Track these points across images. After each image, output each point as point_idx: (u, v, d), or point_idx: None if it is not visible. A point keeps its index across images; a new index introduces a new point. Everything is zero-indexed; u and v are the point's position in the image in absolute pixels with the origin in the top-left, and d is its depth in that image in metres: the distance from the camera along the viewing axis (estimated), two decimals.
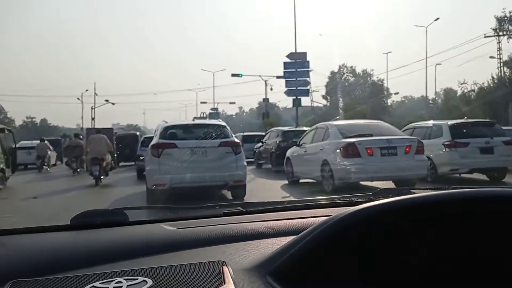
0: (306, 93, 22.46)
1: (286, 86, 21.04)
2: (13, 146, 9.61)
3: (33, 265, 0.62)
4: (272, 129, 12.10)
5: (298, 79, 20.17)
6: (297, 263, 0.52)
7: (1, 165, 8.43)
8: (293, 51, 20.91)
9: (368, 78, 39.08)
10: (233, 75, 25.58)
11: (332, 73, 41.26)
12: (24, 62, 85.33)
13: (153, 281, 0.52)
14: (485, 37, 23.11)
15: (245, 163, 5.67)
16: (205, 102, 37.26)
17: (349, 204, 0.71)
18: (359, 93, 35.43)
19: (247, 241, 0.70)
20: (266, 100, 27.52)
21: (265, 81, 26.17)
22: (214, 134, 5.65)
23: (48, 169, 13.67)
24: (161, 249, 0.67)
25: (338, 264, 0.52)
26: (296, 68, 20.21)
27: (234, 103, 41.47)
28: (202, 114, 34.37)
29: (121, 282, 0.53)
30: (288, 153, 7.86)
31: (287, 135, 10.50)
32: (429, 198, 0.54)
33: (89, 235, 0.76)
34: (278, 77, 22.86)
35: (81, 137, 13.09)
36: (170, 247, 0.68)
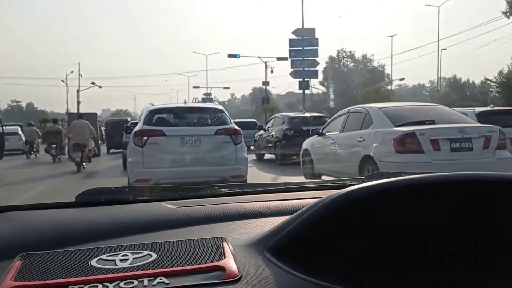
0: (315, 74, 20.52)
1: (291, 67, 19.18)
2: (1, 131, 9.06)
3: (41, 239, 0.64)
4: (277, 114, 10.99)
5: (305, 58, 18.45)
6: (292, 240, 0.55)
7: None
8: (299, 27, 18.96)
9: (368, 64, 38.05)
10: (229, 55, 23.67)
11: (330, 58, 40.10)
12: (7, 41, 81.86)
13: (157, 255, 0.55)
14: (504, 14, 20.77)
15: (246, 155, 4.80)
16: (198, 87, 35.87)
17: (343, 187, 0.66)
18: (356, 80, 34.44)
19: (245, 220, 0.72)
20: (266, 83, 25.23)
21: (265, 62, 24.11)
22: (209, 120, 4.76)
23: (38, 155, 13.11)
24: (163, 226, 0.70)
25: (329, 242, 0.55)
26: (303, 46, 18.23)
27: (228, 88, 39.48)
28: (194, 99, 32.61)
29: (127, 255, 0.55)
30: (307, 144, 6.34)
31: (294, 121, 9.44)
32: (420, 179, 0.56)
33: (94, 212, 0.79)
34: (279, 58, 21.23)
35: (59, 123, 12.85)
36: (172, 224, 0.71)
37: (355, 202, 0.55)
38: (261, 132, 11.04)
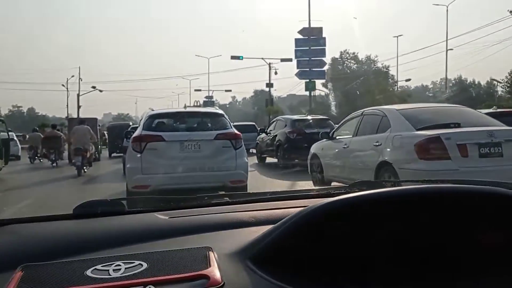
0: (322, 75, 20.11)
1: (298, 67, 18.90)
2: (6, 136, 9.44)
3: (40, 251, 0.69)
4: (279, 117, 10.84)
5: (312, 58, 18.04)
6: (273, 250, 0.58)
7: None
8: (304, 27, 18.59)
9: (372, 65, 37.75)
10: (232, 57, 23.41)
11: (333, 59, 39.89)
12: (6, 46, 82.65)
13: (148, 264, 0.59)
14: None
15: (247, 160, 4.75)
16: (200, 90, 35.62)
17: (327, 196, 0.74)
18: (360, 81, 34.18)
19: (232, 229, 0.76)
20: (270, 85, 24.57)
21: (269, 64, 23.52)
22: (209, 125, 4.81)
23: (42, 160, 13.22)
24: (155, 236, 0.74)
25: (309, 251, 0.58)
26: (310, 46, 17.79)
27: (230, 90, 38.77)
28: (196, 103, 32.39)
29: (120, 265, 0.59)
30: (315, 148, 5.94)
31: (297, 124, 9.26)
32: (393, 192, 0.61)
33: (90, 224, 0.84)
34: (282, 60, 20.90)
35: (58, 128, 13.21)
36: (163, 234, 0.75)
37: (332, 214, 0.58)
38: (263, 135, 10.92)
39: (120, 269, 0.57)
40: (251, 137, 14.83)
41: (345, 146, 4.98)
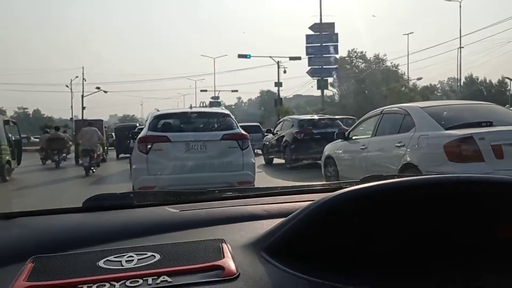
0: (334, 72, 19.22)
1: (309, 65, 18.33)
2: (19, 138, 10.09)
3: (50, 243, 0.69)
4: (286, 117, 10.86)
5: (324, 55, 17.43)
6: (287, 241, 0.59)
7: (7, 157, 8.73)
8: (316, 23, 17.90)
9: (381, 64, 37.49)
10: (240, 56, 23.02)
11: (341, 58, 39.71)
12: (7, 46, 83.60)
13: (160, 256, 0.59)
14: None
15: (254, 160, 4.71)
16: (206, 90, 35.24)
17: (338, 189, 0.68)
18: (368, 81, 33.89)
19: (244, 222, 0.77)
20: (279, 84, 23.91)
21: (278, 62, 22.97)
22: (215, 125, 4.73)
23: (45, 162, 13.46)
24: (166, 229, 0.74)
25: (322, 242, 0.59)
26: (321, 42, 17.12)
27: (236, 91, 38.12)
28: (202, 103, 32.47)
29: (132, 256, 0.59)
30: (329, 149, 5.63)
31: (305, 124, 9.26)
32: (410, 182, 0.61)
33: (100, 217, 0.84)
34: (291, 58, 20.42)
35: (62, 130, 13.93)
36: (174, 227, 0.75)
37: (345, 204, 0.59)
38: (270, 135, 10.92)
39: (132, 260, 0.58)
40: (255, 138, 14.91)
41: (363, 147, 4.70)
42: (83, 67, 37.93)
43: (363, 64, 39.09)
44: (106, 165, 11.72)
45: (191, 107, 6.08)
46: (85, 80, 34.22)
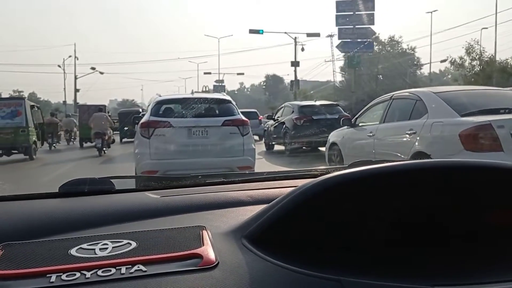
0: (370, 47, 15.54)
1: (339, 38, 15.65)
2: (42, 121, 12.01)
3: (23, 229, 0.69)
4: (286, 103, 11.14)
5: (357, 26, 14.03)
6: (268, 228, 0.60)
7: (34, 138, 10.45)
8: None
9: (396, 47, 36.93)
10: (251, 31, 21.35)
11: None
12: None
13: (136, 243, 0.60)
14: None
15: (254, 146, 5.04)
16: (209, 73, 34.88)
17: (325, 175, 0.69)
18: (382, 65, 33.47)
19: (227, 208, 0.78)
20: (296, 63, 21.90)
21: (295, 38, 21.24)
22: (216, 111, 5.06)
23: (74, 142, 15.83)
24: (145, 215, 0.75)
25: (304, 229, 0.60)
26: (354, 10, 13.86)
27: (242, 73, 37.68)
28: (204, 88, 32.35)
29: (107, 244, 0.60)
30: (335, 136, 5.64)
31: (305, 110, 9.53)
32: (394, 167, 0.61)
33: (77, 202, 0.85)
34: (309, 34, 19.16)
35: (57, 115, 15.87)
36: (154, 213, 0.76)
37: (328, 191, 0.59)
38: (271, 122, 11.25)
39: (107, 248, 0.58)
40: (252, 124, 15.42)
41: (371, 134, 4.64)
42: (75, 44, 34.99)
43: (377, 47, 38.58)
44: (112, 148, 13.10)
45: (192, 93, 6.44)
46: (77, 59, 32.61)
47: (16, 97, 16.55)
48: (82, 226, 0.70)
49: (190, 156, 4.62)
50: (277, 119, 10.65)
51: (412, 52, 35.39)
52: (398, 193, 0.60)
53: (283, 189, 0.83)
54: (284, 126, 9.75)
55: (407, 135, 3.96)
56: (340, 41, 15.23)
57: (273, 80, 57.76)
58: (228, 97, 5.35)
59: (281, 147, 10.45)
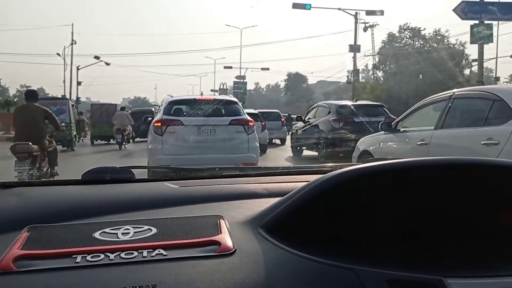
0: (509, 13, 10.73)
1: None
2: (78, 119, 15.40)
3: (47, 213, 0.76)
4: (321, 103, 10.40)
5: None
6: (285, 218, 0.66)
7: (74, 133, 13.28)
8: None
9: (443, 41, 35.37)
10: (295, 5, 18.47)
11: (390, 36, 38.02)
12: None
13: (157, 230, 0.66)
14: None
15: (258, 144, 5.82)
16: (230, 67, 32.41)
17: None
18: (423, 62, 32.17)
19: (243, 200, 0.86)
20: (355, 48, 18.96)
21: (355, 14, 18.61)
22: (224, 111, 5.88)
23: (83, 140, 17.76)
24: (164, 204, 0.83)
25: (319, 221, 0.66)
26: None
27: (267, 69, 33.48)
28: (222, 85, 31.25)
29: (128, 229, 0.66)
30: (365, 144, 5.07)
31: (344, 111, 8.82)
32: (406, 163, 0.66)
33: (99, 189, 0.95)
34: (368, 12, 16.83)
35: (82, 113, 18.58)
36: (173, 202, 0.84)
37: (342, 184, 0.65)
38: (299, 123, 10.69)
39: (129, 233, 0.64)
40: (275, 126, 15.04)
41: (423, 142, 3.97)
42: (72, 24, 28.91)
43: (418, 42, 37.20)
44: (136, 145, 15.33)
45: (201, 94, 7.65)
46: (75, 43, 28.94)
47: (61, 97, 18.35)
48: (104, 212, 0.77)
49: (199, 152, 5.35)
50: (308, 121, 10.04)
51: (462, 47, 33.76)
52: (410, 188, 0.66)
53: (297, 183, 0.89)
54: (318, 129, 9.09)
55: (484, 146, 3.27)
56: (461, 1, 11.32)
57: (295, 79, 57.10)
58: (234, 99, 6.27)
59: (310, 152, 9.84)
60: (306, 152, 10.37)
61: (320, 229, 0.64)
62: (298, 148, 10.66)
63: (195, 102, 6.03)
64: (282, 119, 15.62)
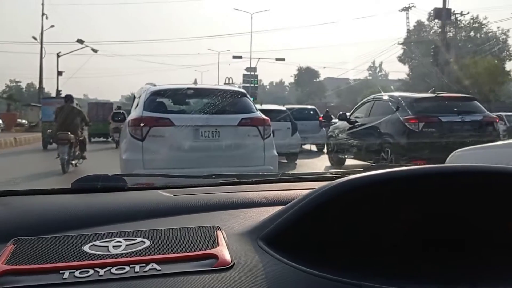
0: None
1: None
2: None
3: (35, 224, 0.77)
4: (381, 95, 7.91)
5: None
6: (285, 230, 0.65)
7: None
8: None
9: (482, 30, 33.07)
10: None
11: (419, 24, 35.86)
12: None
13: (150, 242, 0.65)
14: None
15: (276, 153, 4.58)
16: (240, 57, 29.36)
17: (340, 178, 0.76)
18: (456, 53, 30.00)
19: (241, 209, 0.86)
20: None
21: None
22: (230, 107, 4.44)
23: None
24: (159, 214, 0.83)
25: (321, 232, 0.65)
26: None
27: (283, 59, 29.60)
28: (228, 80, 28.62)
29: (120, 241, 0.65)
30: (470, 157, 3.57)
31: (424, 107, 6.48)
32: (412, 171, 0.67)
33: (90, 199, 0.95)
34: None
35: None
36: (167, 212, 0.84)
37: (347, 193, 0.65)
38: (340, 123, 8.64)
39: (120, 246, 0.64)
40: (310, 128, 12.58)
41: None
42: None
43: (452, 30, 34.92)
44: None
45: (195, 83, 6.18)
46: (46, 18, 25.33)
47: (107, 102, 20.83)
48: (95, 222, 0.77)
49: (196, 164, 4.04)
50: (355, 121, 7.84)
51: (505, 36, 31.53)
52: (420, 197, 0.66)
53: (298, 191, 0.91)
54: (382, 131, 6.86)
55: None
56: None
57: (306, 74, 55.44)
58: (242, 90, 4.98)
59: (357, 162, 7.79)
60: (351, 162, 8.25)
61: (324, 241, 0.64)
62: (340, 156, 8.49)
63: (189, 94, 4.70)
64: (320, 118, 13.06)
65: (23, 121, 24.26)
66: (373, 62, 60.53)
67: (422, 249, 0.65)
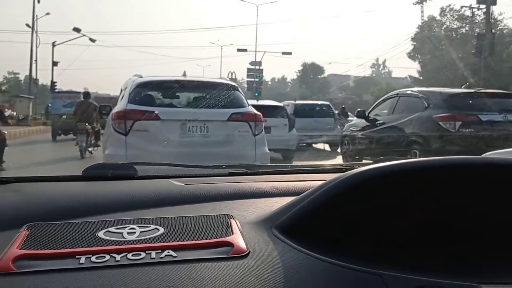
0: None
1: None
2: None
3: (47, 210, 0.79)
4: (403, 91, 7.19)
5: None
6: (301, 219, 0.67)
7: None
8: None
9: (497, 26, 32.34)
10: None
11: (430, 19, 35.12)
12: None
13: (164, 229, 0.67)
14: None
15: (268, 151, 4.45)
16: (245, 50, 28.75)
17: (350, 169, 0.78)
18: (468, 49, 29.32)
19: (253, 199, 0.89)
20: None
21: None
22: (220, 101, 4.23)
23: None
24: (170, 202, 0.86)
25: (336, 222, 0.68)
26: None
27: (290, 53, 28.72)
28: (230, 74, 27.88)
29: (134, 228, 0.67)
30: None
31: (460, 104, 5.85)
32: (422, 163, 0.69)
33: (101, 186, 0.98)
34: None
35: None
36: (179, 200, 0.87)
37: (358, 185, 0.67)
38: (358, 121, 7.99)
39: (134, 233, 0.65)
40: (323, 125, 11.91)
41: None
42: None
43: (463, 27, 34.18)
44: None
45: (184, 75, 5.40)
46: (38, 1, 24.36)
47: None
48: (106, 210, 0.79)
49: (182, 161, 2.79)
50: (375, 118, 7.23)
51: None
52: (435, 189, 0.67)
53: (308, 182, 0.94)
54: (405, 131, 6.22)
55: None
56: None
57: (311, 70, 55.01)
58: (233, 83, 4.86)
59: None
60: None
61: (340, 231, 0.66)
62: (357, 156, 7.85)
63: (176, 86, 4.50)
64: (335, 115, 12.57)
65: (13, 113, 23.47)
66: (377, 60, 60.21)
67: (432, 240, 0.67)
